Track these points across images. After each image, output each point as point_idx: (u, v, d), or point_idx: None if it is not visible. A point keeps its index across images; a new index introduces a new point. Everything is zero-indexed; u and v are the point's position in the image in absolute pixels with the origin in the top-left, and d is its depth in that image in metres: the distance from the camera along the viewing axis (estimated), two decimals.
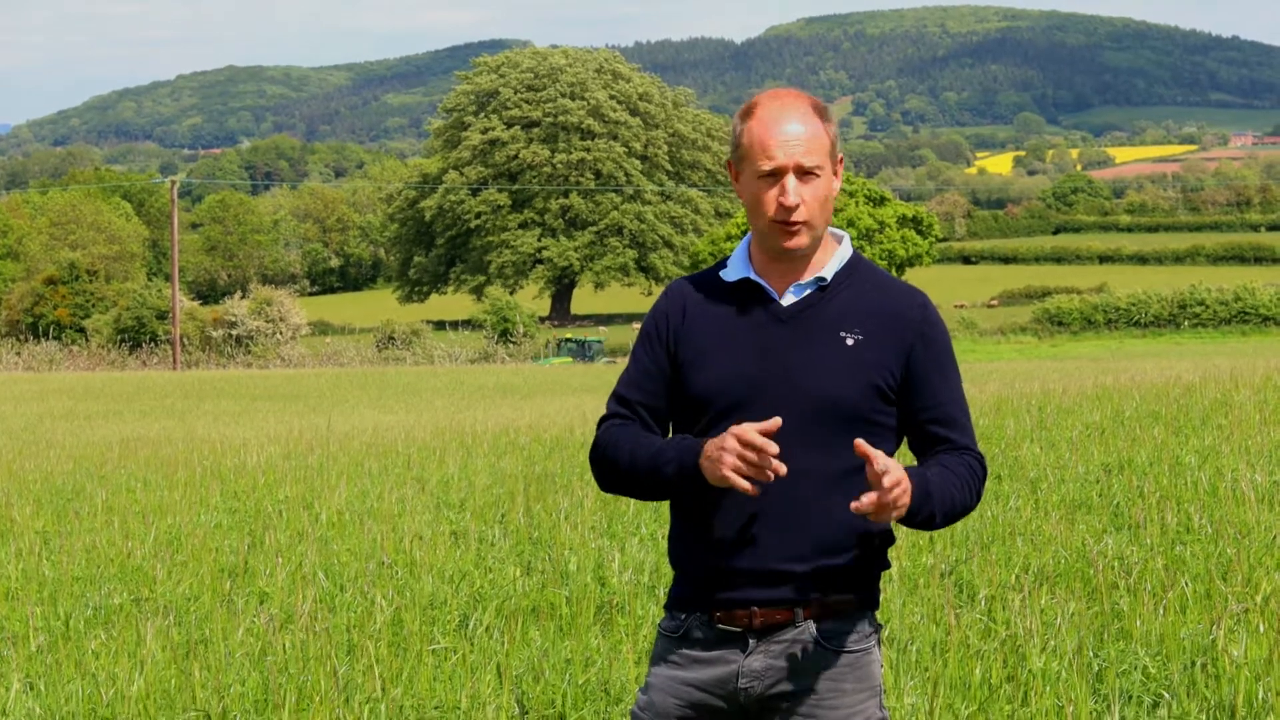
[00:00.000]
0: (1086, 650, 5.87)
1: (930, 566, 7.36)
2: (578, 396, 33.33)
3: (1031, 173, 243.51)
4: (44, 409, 33.81)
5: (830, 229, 3.46)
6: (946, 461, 3.36)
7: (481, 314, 79.90)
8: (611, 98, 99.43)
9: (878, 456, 3.12)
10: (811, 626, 3.33)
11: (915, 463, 3.43)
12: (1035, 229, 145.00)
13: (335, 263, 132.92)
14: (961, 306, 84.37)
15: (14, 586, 8.37)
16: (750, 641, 3.34)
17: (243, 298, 74.47)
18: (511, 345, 71.45)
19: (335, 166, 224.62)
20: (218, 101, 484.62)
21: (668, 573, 7.67)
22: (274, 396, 38.54)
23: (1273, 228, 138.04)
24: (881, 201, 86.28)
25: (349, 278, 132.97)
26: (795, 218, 3.31)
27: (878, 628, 3.43)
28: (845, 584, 3.34)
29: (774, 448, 3.15)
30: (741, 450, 3.16)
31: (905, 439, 3.47)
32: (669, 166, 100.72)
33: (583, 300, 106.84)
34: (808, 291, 3.38)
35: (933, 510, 3.25)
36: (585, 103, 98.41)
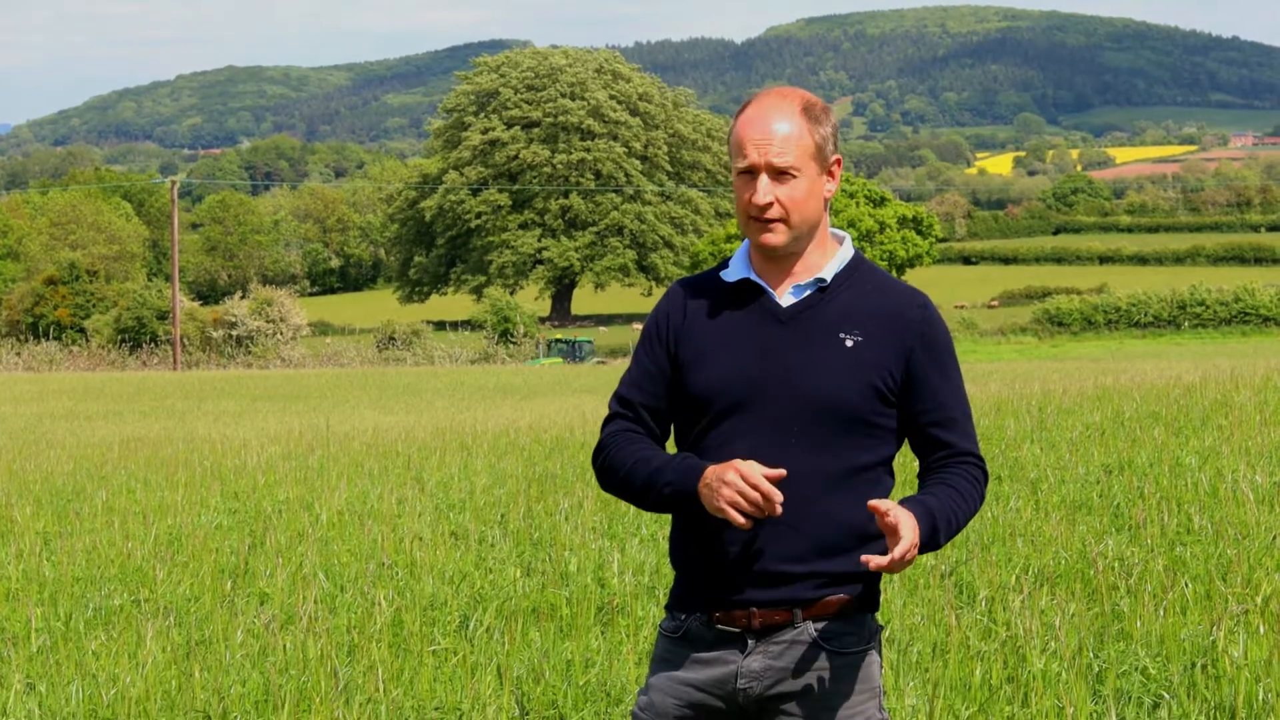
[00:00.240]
0: (1087, 651, 5.87)
1: (930, 567, 7.36)
2: (577, 397, 33.33)
3: (1031, 173, 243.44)
4: (44, 409, 33.81)
5: (831, 230, 3.47)
6: (948, 478, 3.37)
7: (482, 314, 79.89)
8: (611, 98, 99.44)
9: (889, 510, 3.14)
10: (811, 627, 3.33)
11: (916, 462, 3.44)
12: (1035, 229, 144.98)
13: (335, 263, 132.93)
14: (962, 307, 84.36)
15: (14, 587, 8.37)
16: (749, 642, 3.34)
17: (243, 298, 74.47)
18: (512, 345, 71.45)
19: (335, 167, 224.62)
20: (218, 101, 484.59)
21: (668, 574, 7.67)
22: (274, 397, 38.54)
23: (1273, 228, 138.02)
24: (882, 202, 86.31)
25: (349, 278, 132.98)
26: (767, 215, 3.32)
27: (878, 629, 3.43)
28: (844, 585, 3.34)
29: (779, 495, 3.18)
30: (744, 488, 3.18)
31: (906, 440, 3.47)
32: (669, 167, 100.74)
33: (583, 300, 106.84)
34: (807, 292, 3.39)
35: (939, 541, 3.28)
36: (585, 103, 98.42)
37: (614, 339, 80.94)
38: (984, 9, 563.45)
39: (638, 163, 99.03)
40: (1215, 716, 5.34)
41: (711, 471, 3.24)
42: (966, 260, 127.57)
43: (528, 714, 5.76)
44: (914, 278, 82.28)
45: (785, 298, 3.39)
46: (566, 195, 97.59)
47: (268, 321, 70.41)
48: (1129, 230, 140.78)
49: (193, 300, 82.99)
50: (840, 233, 3.49)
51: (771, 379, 3.33)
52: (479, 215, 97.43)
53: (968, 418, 3.43)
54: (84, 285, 78.90)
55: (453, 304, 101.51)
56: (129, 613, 7.65)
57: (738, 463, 3.21)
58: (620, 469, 3.40)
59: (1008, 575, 7.20)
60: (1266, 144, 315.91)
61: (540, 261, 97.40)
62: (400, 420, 25.38)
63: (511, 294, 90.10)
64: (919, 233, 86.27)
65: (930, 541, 3.26)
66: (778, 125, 3.32)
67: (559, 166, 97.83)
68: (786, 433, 3.30)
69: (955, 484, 3.36)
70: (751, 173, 3.34)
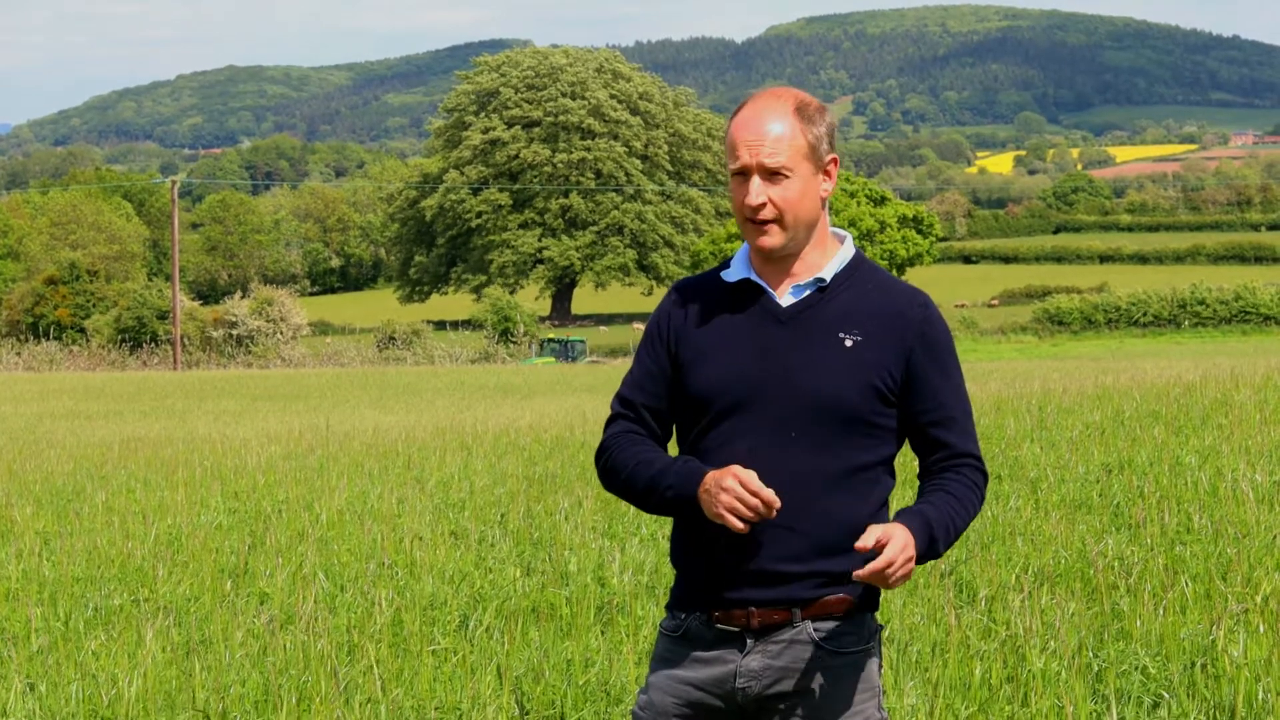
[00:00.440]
0: (1086, 650, 5.87)
1: (930, 567, 7.36)
2: (577, 396, 33.33)
3: (1032, 172, 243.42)
4: (44, 409, 33.81)
5: (832, 229, 3.47)
6: (946, 484, 3.37)
7: (482, 314, 79.89)
8: (612, 97, 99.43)
9: (879, 536, 3.15)
10: (810, 627, 3.33)
11: (916, 462, 3.44)
12: (1036, 228, 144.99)
13: (336, 263, 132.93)
14: (962, 306, 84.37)
15: (14, 587, 8.37)
16: (748, 641, 3.34)
17: (243, 298, 74.48)
18: (512, 345, 71.48)
19: (336, 166, 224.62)
20: (218, 101, 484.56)
21: (668, 573, 7.67)
22: (274, 396, 38.54)
23: (1273, 227, 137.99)
24: (882, 201, 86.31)
25: (349, 278, 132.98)
26: (760, 216, 3.33)
27: (877, 629, 3.42)
28: (844, 585, 3.34)
29: (777, 501, 3.20)
30: (743, 494, 3.19)
31: (907, 440, 3.47)
32: (669, 166, 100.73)
33: (583, 300, 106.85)
34: (807, 292, 3.39)
35: (938, 549, 3.29)
36: (586, 102, 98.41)
37: (614, 338, 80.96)
38: (984, 8, 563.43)
39: (638, 162, 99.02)
40: (1215, 716, 5.34)
41: (711, 477, 3.25)
42: (967, 259, 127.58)
43: (528, 714, 5.76)
44: (914, 277, 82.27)
45: (785, 298, 3.39)
46: (567, 195, 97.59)
47: (268, 321, 70.41)
48: (1129, 229, 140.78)
49: (193, 300, 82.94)
50: (841, 232, 3.49)
51: (771, 379, 3.33)
52: (479, 215, 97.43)
53: (968, 417, 3.43)
54: (84, 285, 78.90)
55: (453, 304, 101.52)
56: (129, 613, 7.65)
57: (736, 469, 3.22)
58: (622, 471, 3.42)
59: (1008, 574, 7.20)
60: (1267, 143, 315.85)
61: (541, 261, 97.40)
62: (400, 420, 25.39)
63: (512, 293, 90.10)
64: (919, 232, 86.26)
65: (929, 551, 3.26)
66: (770, 126, 3.32)
67: (559, 166, 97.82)
68: (786, 433, 3.30)
69: (953, 490, 3.36)
70: (745, 174, 3.34)
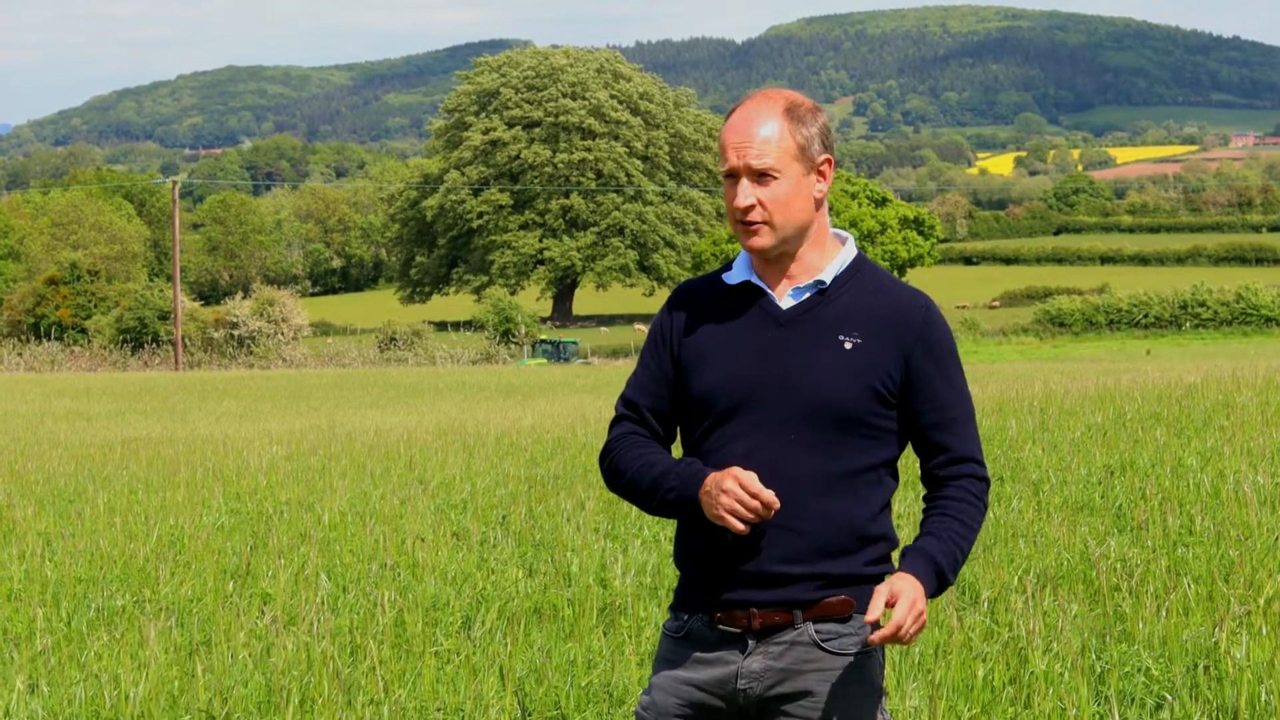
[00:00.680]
0: (1089, 652, 5.88)
1: None
2: (579, 397, 33.34)
3: (1033, 173, 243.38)
4: (46, 409, 33.82)
5: (833, 230, 3.47)
6: (948, 506, 3.37)
7: (483, 315, 79.93)
8: (612, 97, 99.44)
9: (886, 596, 3.19)
10: (811, 629, 3.33)
11: (917, 464, 3.44)
12: (1036, 230, 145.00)
13: (337, 263, 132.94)
14: (963, 307, 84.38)
15: (17, 588, 8.38)
16: (750, 643, 3.35)
17: (244, 298, 74.51)
18: (513, 346, 71.51)
19: (336, 166, 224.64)
20: (218, 101, 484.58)
21: (669, 575, 7.67)
22: (276, 397, 38.55)
23: (1274, 228, 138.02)
24: (883, 202, 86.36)
25: (350, 278, 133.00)
26: (750, 218, 3.33)
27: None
28: (844, 586, 3.35)
29: (776, 503, 3.22)
30: (743, 496, 3.21)
31: (910, 443, 3.48)
32: (670, 167, 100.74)
33: (584, 301, 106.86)
34: (807, 294, 3.39)
35: (948, 580, 3.33)
36: (586, 102, 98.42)
37: (615, 339, 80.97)
38: (985, 9, 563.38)
39: (639, 162, 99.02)
40: (1218, 717, 5.34)
41: (711, 479, 3.26)
42: (968, 260, 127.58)
43: (530, 715, 5.76)
44: (915, 278, 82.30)
45: (785, 300, 3.39)
46: (567, 195, 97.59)
47: (269, 322, 70.42)
48: (1130, 230, 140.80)
49: (194, 300, 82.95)
50: (843, 233, 3.49)
51: (771, 381, 3.34)
52: (480, 215, 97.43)
53: (970, 420, 3.43)
54: (85, 285, 78.92)
55: (454, 304, 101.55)
56: (131, 613, 7.65)
57: (736, 471, 3.24)
58: (626, 473, 3.43)
59: (1010, 576, 7.20)
60: (1267, 144, 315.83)
61: (541, 262, 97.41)
62: (402, 421, 25.39)
63: (513, 294, 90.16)
64: (920, 233, 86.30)
65: (939, 588, 3.30)
66: (757, 128, 3.33)
67: (560, 166, 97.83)
68: (786, 434, 3.31)
69: (954, 511, 3.37)
70: (734, 176, 3.35)
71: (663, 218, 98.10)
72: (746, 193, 3.32)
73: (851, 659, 3.35)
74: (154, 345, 70.24)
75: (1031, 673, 5.65)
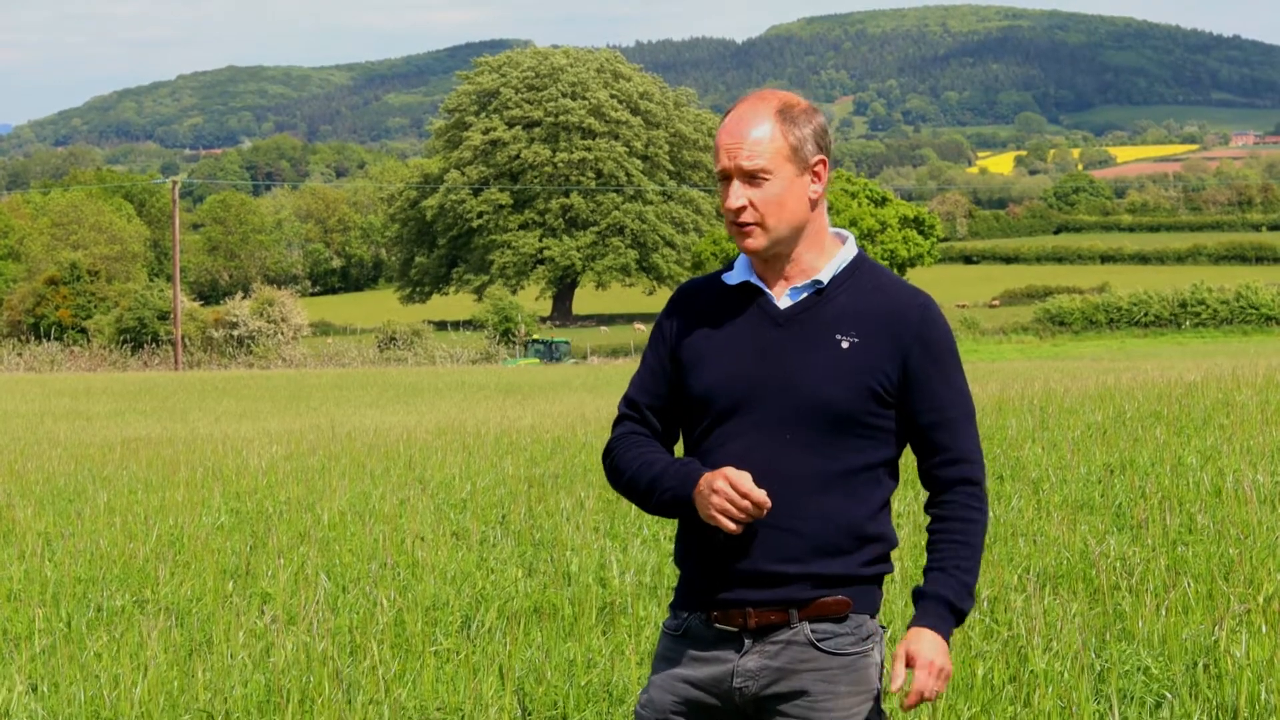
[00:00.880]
0: (1089, 651, 5.87)
1: None
2: (579, 396, 33.34)
3: (1033, 172, 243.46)
4: (45, 409, 33.82)
5: (833, 230, 3.46)
6: (950, 527, 3.37)
7: (483, 314, 79.94)
8: (612, 97, 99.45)
9: (905, 659, 3.29)
10: (806, 628, 3.33)
11: (916, 465, 3.44)
12: (1037, 229, 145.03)
13: (337, 263, 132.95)
14: (963, 306, 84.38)
15: (16, 588, 8.37)
16: (746, 641, 3.35)
17: (244, 298, 74.52)
18: (513, 345, 71.54)
19: (336, 166, 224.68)
20: (218, 101, 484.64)
21: (669, 574, 7.68)
22: (276, 397, 38.55)
23: (1274, 227, 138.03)
24: (883, 202, 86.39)
25: (350, 278, 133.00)
26: (741, 220, 3.34)
27: (878, 631, 3.41)
28: (841, 586, 3.34)
29: (768, 502, 3.24)
30: (733, 495, 3.23)
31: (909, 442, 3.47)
32: (670, 166, 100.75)
33: (584, 300, 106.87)
34: (804, 294, 3.39)
35: (965, 609, 3.36)
36: (586, 102, 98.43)
37: (615, 339, 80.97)
38: (985, 8, 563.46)
39: (639, 162, 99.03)
40: (1218, 716, 5.34)
41: (704, 479, 3.27)
42: (968, 260, 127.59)
43: (530, 714, 5.76)
44: (915, 277, 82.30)
45: (783, 300, 3.39)
46: (567, 195, 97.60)
47: (269, 322, 70.44)
48: (1130, 229, 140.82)
49: (194, 300, 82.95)
50: (844, 233, 3.48)
51: (768, 381, 3.34)
52: (480, 215, 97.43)
53: (968, 420, 3.41)
54: (85, 285, 78.92)
55: (454, 304, 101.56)
56: (131, 613, 7.65)
57: (727, 471, 3.25)
58: (625, 472, 3.45)
59: (1010, 575, 7.20)
60: (1268, 143, 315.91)
61: (541, 261, 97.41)
62: (402, 420, 25.39)
63: (513, 294, 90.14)
64: (920, 232, 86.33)
65: (957, 620, 3.34)
66: (749, 129, 3.33)
67: (560, 166, 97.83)
68: (782, 434, 3.31)
69: (957, 532, 3.37)
70: (727, 177, 3.35)
71: (663, 217, 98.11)
72: (738, 194, 3.33)
73: (848, 659, 3.34)
74: (154, 345, 70.25)
75: (1031, 671, 5.64)
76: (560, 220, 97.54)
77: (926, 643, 3.28)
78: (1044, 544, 7.83)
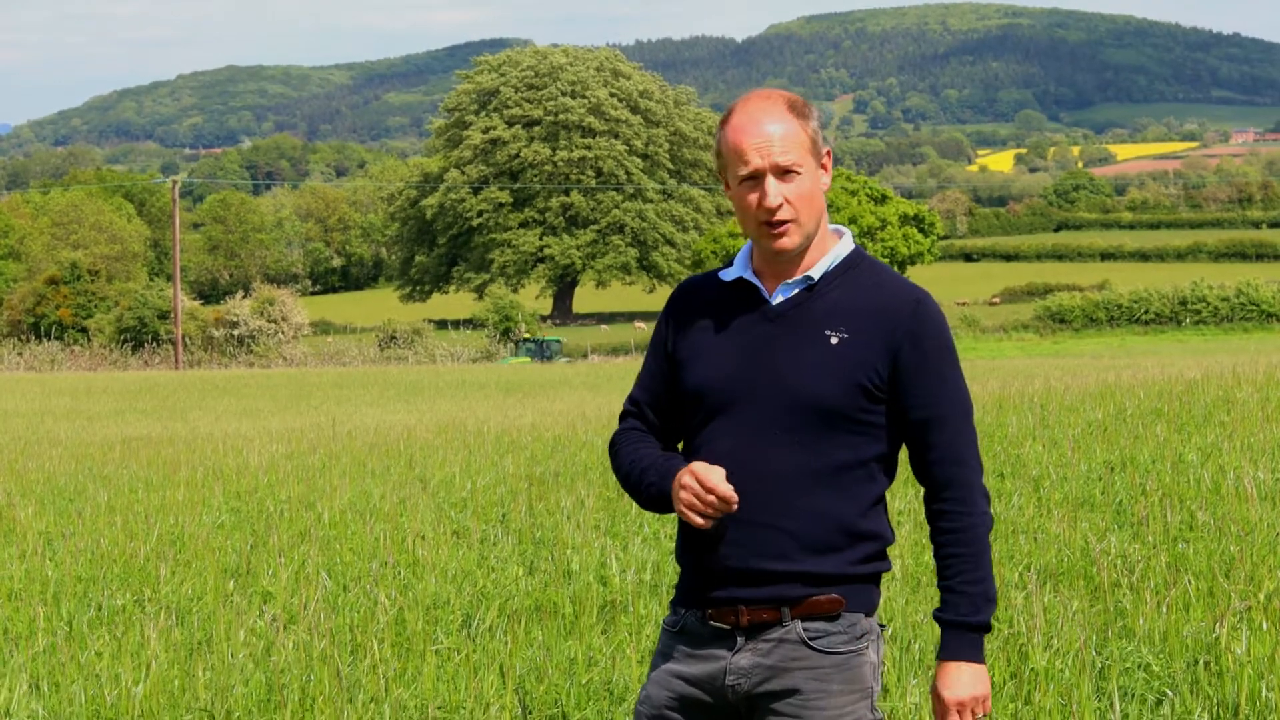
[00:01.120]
0: (1090, 648, 5.87)
1: (932, 566, 7.36)
2: (579, 394, 33.35)
3: (1033, 170, 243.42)
4: (46, 408, 33.82)
5: (831, 226, 3.46)
6: (954, 541, 3.35)
7: (483, 313, 79.92)
8: (612, 95, 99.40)
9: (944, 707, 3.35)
10: (799, 626, 3.32)
11: (913, 461, 3.43)
12: (1037, 226, 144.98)
13: (337, 262, 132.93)
14: (963, 304, 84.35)
15: (17, 587, 8.38)
16: (739, 639, 3.35)
17: (244, 297, 74.52)
18: (513, 344, 71.54)
19: (336, 166, 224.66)
20: (218, 101, 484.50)
21: (670, 572, 7.68)
22: (276, 396, 38.55)
23: (1274, 224, 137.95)
24: (883, 199, 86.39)
25: (351, 277, 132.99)
26: (779, 217, 3.32)
27: (873, 629, 3.39)
28: (834, 584, 3.33)
29: (734, 496, 3.24)
30: (698, 490, 3.25)
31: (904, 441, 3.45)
32: (670, 165, 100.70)
33: (584, 299, 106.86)
34: (795, 290, 3.38)
35: (988, 623, 3.36)
36: (586, 101, 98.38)
37: (615, 337, 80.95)
38: (985, 6, 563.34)
39: (639, 161, 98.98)
40: (1218, 713, 5.34)
41: (679, 474, 3.30)
42: (968, 257, 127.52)
43: (530, 713, 5.76)
44: (916, 275, 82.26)
45: (775, 296, 3.39)
46: (567, 193, 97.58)
47: (269, 321, 70.44)
48: (1130, 227, 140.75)
49: (194, 300, 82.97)
50: (841, 228, 3.48)
51: (759, 377, 3.34)
52: (480, 214, 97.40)
53: (963, 419, 3.38)
54: (85, 285, 78.91)
55: (454, 303, 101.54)
56: (131, 613, 7.65)
57: (695, 465, 3.27)
58: (622, 468, 3.48)
59: (1011, 572, 7.20)
60: (1268, 140, 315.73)
61: (541, 260, 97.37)
62: (402, 419, 25.39)
63: (514, 292, 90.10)
64: (920, 230, 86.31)
65: (982, 629, 3.34)
66: (772, 126, 3.32)
67: (560, 164, 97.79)
68: (772, 430, 3.31)
69: (957, 542, 3.34)
70: (755, 178, 3.33)
71: (663, 215, 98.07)
72: (776, 192, 3.30)
73: (841, 657, 3.33)
74: (154, 344, 70.25)
75: (1032, 669, 5.64)
76: (560, 219, 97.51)
77: (954, 681, 3.32)
78: (1045, 541, 7.83)
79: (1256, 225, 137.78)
